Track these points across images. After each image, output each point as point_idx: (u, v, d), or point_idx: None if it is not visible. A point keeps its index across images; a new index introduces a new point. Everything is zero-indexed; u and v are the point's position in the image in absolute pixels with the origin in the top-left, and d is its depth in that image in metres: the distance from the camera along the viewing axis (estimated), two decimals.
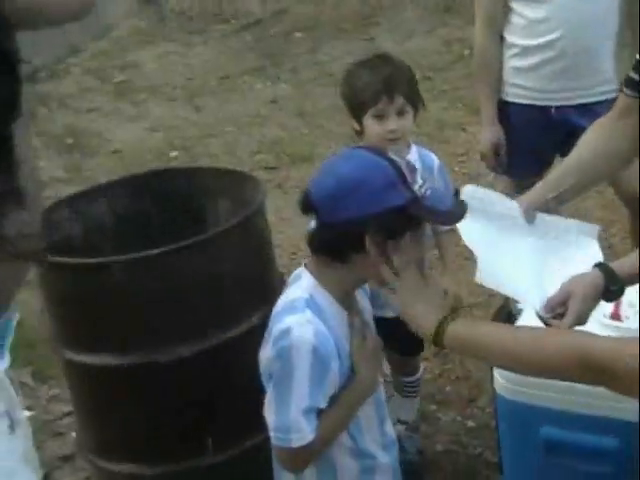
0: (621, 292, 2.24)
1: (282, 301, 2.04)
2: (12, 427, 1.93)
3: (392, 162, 1.93)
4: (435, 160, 2.95)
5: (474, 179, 5.02)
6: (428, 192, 1.99)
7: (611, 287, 2.16)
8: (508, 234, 2.16)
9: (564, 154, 3.66)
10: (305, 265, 2.08)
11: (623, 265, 2.26)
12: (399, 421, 3.21)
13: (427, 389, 3.59)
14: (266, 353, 2.00)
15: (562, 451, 2.55)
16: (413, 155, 2.88)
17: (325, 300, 1.99)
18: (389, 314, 2.72)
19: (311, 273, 2.03)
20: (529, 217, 2.22)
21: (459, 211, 2.01)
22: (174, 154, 6.36)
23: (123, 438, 2.89)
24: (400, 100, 2.72)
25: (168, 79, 8.06)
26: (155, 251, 2.61)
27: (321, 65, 7.88)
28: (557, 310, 2.07)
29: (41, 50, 8.61)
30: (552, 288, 2.10)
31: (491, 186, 4.71)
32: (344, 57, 7.98)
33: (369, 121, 2.75)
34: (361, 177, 1.89)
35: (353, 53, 8.11)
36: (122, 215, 3.14)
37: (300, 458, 2.01)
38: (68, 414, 3.56)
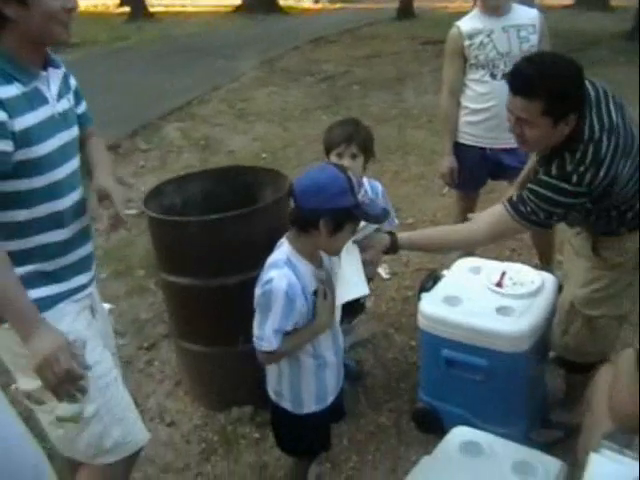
0: (395, 251, 2.35)
1: (270, 259, 2.00)
2: (93, 314, 2.02)
3: (348, 177, 1.91)
4: (379, 187, 2.80)
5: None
6: (367, 201, 1.96)
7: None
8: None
9: (493, 179, 3.72)
10: (286, 236, 2.04)
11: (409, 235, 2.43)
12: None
13: (390, 319, 3.59)
14: (257, 291, 1.97)
15: (455, 365, 2.57)
16: (364, 185, 2.56)
17: (297, 259, 1.97)
18: None
19: (289, 241, 2.00)
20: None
21: (383, 217, 2.05)
22: (264, 156, 6.38)
23: (191, 328, 2.96)
24: (354, 148, 2.59)
25: (270, 109, 8.06)
26: (215, 216, 2.67)
27: (366, 107, 7.84)
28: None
29: (196, 86, 8.83)
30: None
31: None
32: (380, 103, 7.99)
33: (333, 158, 2.60)
34: (325, 183, 1.88)
35: (386, 101, 8.13)
36: (207, 193, 3.11)
37: (266, 357, 2.01)
38: (161, 312, 3.62)
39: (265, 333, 1.94)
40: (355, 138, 2.62)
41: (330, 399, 2.16)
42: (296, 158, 6.18)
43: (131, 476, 2.64)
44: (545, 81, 2.06)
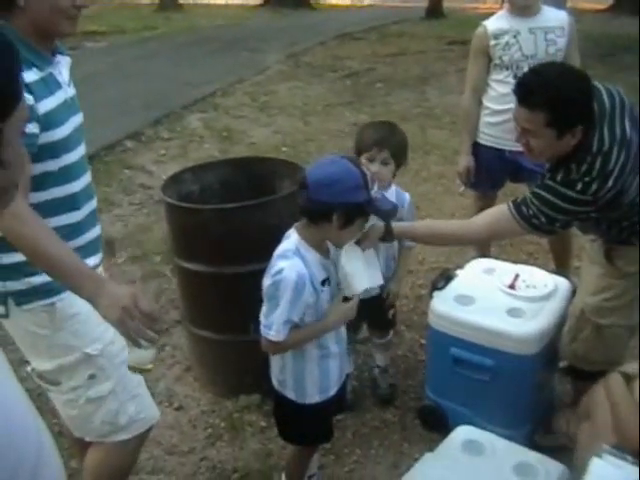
0: (391, 239, 2.34)
1: (279, 249, 1.99)
2: None
3: (362, 172, 1.90)
4: (407, 198, 2.70)
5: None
6: (379, 196, 1.95)
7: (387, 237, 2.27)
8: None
9: (512, 181, 3.69)
10: (295, 226, 2.03)
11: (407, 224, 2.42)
12: (377, 366, 3.05)
13: (402, 317, 3.54)
14: (266, 281, 1.96)
15: (462, 364, 2.57)
16: (392, 193, 2.64)
17: (306, 249, 1.96)
18: (361, 295, 2.78)
19: (298, 232, 1.99)
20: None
21: (393, 213, 2.06)
22: (285, 149, 6.37)
23: (203, 314, 2.99)
24: (386, 153, 2.52)
25: (292, 103, 8.06)
26: (227, 205, 2.69)
27: (389, 105, 7.82)
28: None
29: (220, 78, 8.86)
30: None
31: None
32: (404, 102, 7.96)
33: (363, 161, 2.50)
34: (340, 177, 1.86)
35: (409, 99, 8.10)
36: (225, 182, 3.13)
37: (271, 347, 2.01)
38: (175, 299, 3.64)
39: (273, 322, 1.93)
40: (388, 143, 2.54)
41: (333, 390, 2.16)
42: (317, 152, 6.18)
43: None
44: (547, 93, 2.04)
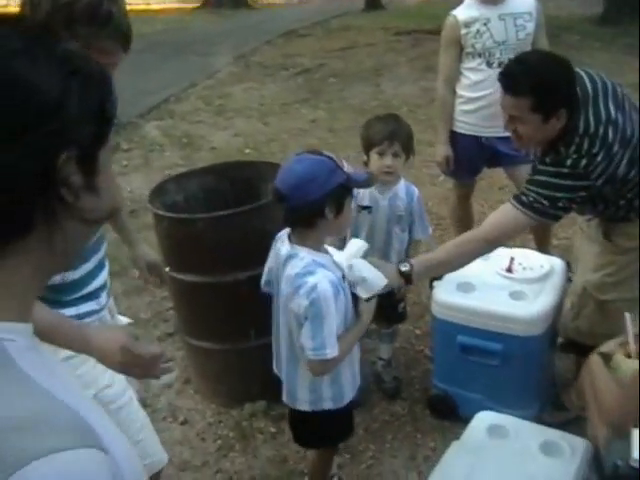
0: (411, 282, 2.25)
1: (294, 271, 1.89)
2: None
3: (328, 157, 1.87)
4: (416, 191, 2.75)
5: (434, 177, 5.08)
6: (351, 170, 1.90)
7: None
8: None
9: (489, 166, 3.74)
10: (290, 242, 1.96)
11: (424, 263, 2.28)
12: (379, 358, 3.07)
13: None
14: (302, 303, 1.85)
15: (469, 351, 2.60)
16: (401, 186, 2.71)
17: (317, 256, 1.92)
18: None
19: (298, 243, 1.94)
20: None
21: (371, 181, 2.05)
22: (248, 151, 6.33)
23: (202, 325, 2.94)
24: (397, 146, 2.55)
25: (248, 104, 8.01)
26: (221, 212, 2.65)
27: (345, 99, 7.85)
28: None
29: (172, 84, 8.75)
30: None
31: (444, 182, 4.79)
32: (360, 95, 8.00)
33: (374, 156, 2.58)
34: (313, 170, 1.83)
35: (365, 92, 8.14)
36: (208, 190, 3.09)
37: (329, 366, 1.93)
38: (170, 308, 3.59)
39: (325, 340, 1.86)
40: (398, 136, 2.56)
41: (358, 380, 2.17)
42: (281, 152, 6.16)
43: None
44: (531, 78, 2.11)
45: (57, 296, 1.66)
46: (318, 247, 1.96)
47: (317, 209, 1.85)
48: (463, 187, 3.78)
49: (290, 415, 2.27)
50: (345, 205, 1.92)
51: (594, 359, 1.99)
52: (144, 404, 3.05)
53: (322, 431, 2.21)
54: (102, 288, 1.86)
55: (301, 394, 2.09)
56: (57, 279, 1.64)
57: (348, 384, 2.11)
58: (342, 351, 1.92)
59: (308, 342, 1.88)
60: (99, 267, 1.84)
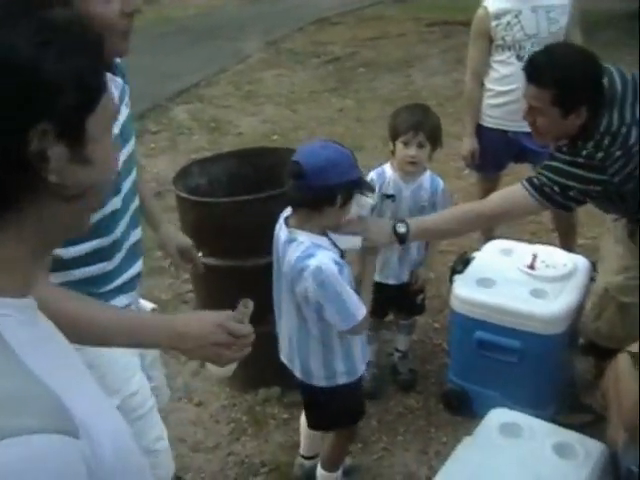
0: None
1: (295, 255, 1.94)
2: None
3: (350, 151, 1.97)
4: (441, 183, 2.76)
5: (460, 170, 5.02)
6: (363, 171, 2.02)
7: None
8: None
9: (515, 161, 3.69)
10: (289, 226, 2.01)
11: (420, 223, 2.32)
12: (396, 350, 3.07)
13: None
14: (306, 287, 1.91)
15: (487, 347, 2.58)
16: (426, 177, 2.72)
17: (317, 239, 1.96)
18: (391, 282, 2.80)
19: (298, 227, 1.98)
20: None
21: (371, 189, 2.11)
22: (275, 138, 6.32)
23: (220, 309, 2.83)
24: (422, 137, 2.54)
25: (277, 91, 7.98)
26: (243, 197, 2.66)
27: (374, 90, 7.77)
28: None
29: (202, 68, 8.76)
30: None
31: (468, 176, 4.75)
32: (389, 86, 7.92)
33: (399, 145, 2.58)
34: (337, 158, 1.89)
35: (395, 83, 8.06)
36: (232, 174, 3.09)
37: (364, 323, 2.00)
38: (191, 291, 3.57)
39: (350, 308, 1.93)
40: (424, 126, 2.55)
41: (368, 352, 2.27)
42: (308, 140, 6.14)
43: None
44: (555, 71, 2.09)
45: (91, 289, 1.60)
46: (316, 231, 1.99)
47: (331, 195, 1.89)
48: (488, 181, 3.73)
49: (305, 396, 2.29)
50: (350, 200, 1.97)
51: (622, 357, 1.95)
52: None
53: (337, 409, 2.22)
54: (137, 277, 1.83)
55: (316, 370, 2.12)
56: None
57: (360, 357, 2.15)
58: (367, 304, 2.02)
59: (336, 318, 1.95)
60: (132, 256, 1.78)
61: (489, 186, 3.77)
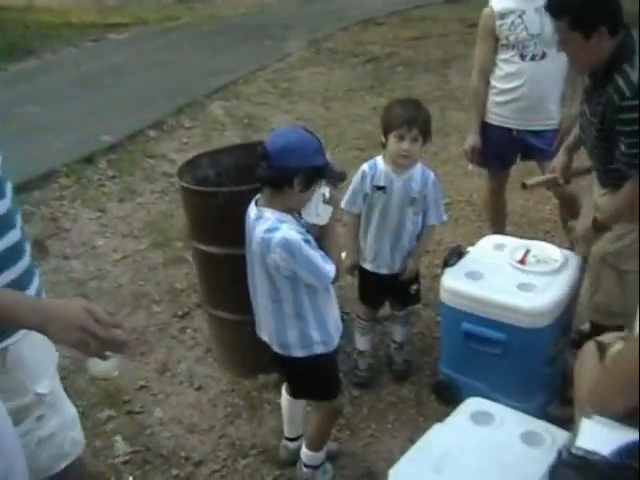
0: None
1: (261, 230, 2.06)
2: None
3: (317, 139, 2.06)
4: (431, 176, 2.76)
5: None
6: (331, 160, 2.08)
7: None
8: None
9: (522, 159, 3.70)
10: (259, 205, 2.13)
11: None
12: (393, 341, 3.11)
13: None
14: (274, 259, 2.03)
15: (474, 338, 2.61)
16: (417, 170, 2.74)
17: (281, 216, 2.06)
18: (383, 271, 2.85)
19: (266, 205, 2.10)
20: None
21: (343, 176, 2.16)
22: None
23: (221, 296, 3.05)
24: (415, 131, 2.58)
25: (313, 88, 8.08)
26: (240, 188, 2.71)
27: (410, 89, 7.77)
28: None
29: (242, 66, 8.92)
30: None
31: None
32: (425, 85, 7.92)
33: (392, 139, 2.61)
34: (301, 142, 2.01)
35: (431, 82, 8.06)
36: (241, 165, 3.14)
37: (337, 277, 2.14)
38: (196, 283, 3.68)
39: (321, 269, 2.06)
40: (417, 121, 2.61)
41: (340, 324, 2.32)
42: (338, 137, 6.22)
43: (159, 435, 2.78)
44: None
45: None
46: (283, 210, 2.09)
47: (288, 177, 2.00)
48: (495, 179, 3.76)
49: (285, 369, 2.40)
50: (312, 186, 2.05)
51: (588, 345, 1.97)
52: (165, 368, 3.23)
53: (315, 378, 2.33)
54: None
55: (292, 341, 2.22)
56: None
57: (334, 327, 2.26)
58: (336, 261, 2.13)
59: (312, 279, 2.09)
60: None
61: (496, 183, 3.80)
